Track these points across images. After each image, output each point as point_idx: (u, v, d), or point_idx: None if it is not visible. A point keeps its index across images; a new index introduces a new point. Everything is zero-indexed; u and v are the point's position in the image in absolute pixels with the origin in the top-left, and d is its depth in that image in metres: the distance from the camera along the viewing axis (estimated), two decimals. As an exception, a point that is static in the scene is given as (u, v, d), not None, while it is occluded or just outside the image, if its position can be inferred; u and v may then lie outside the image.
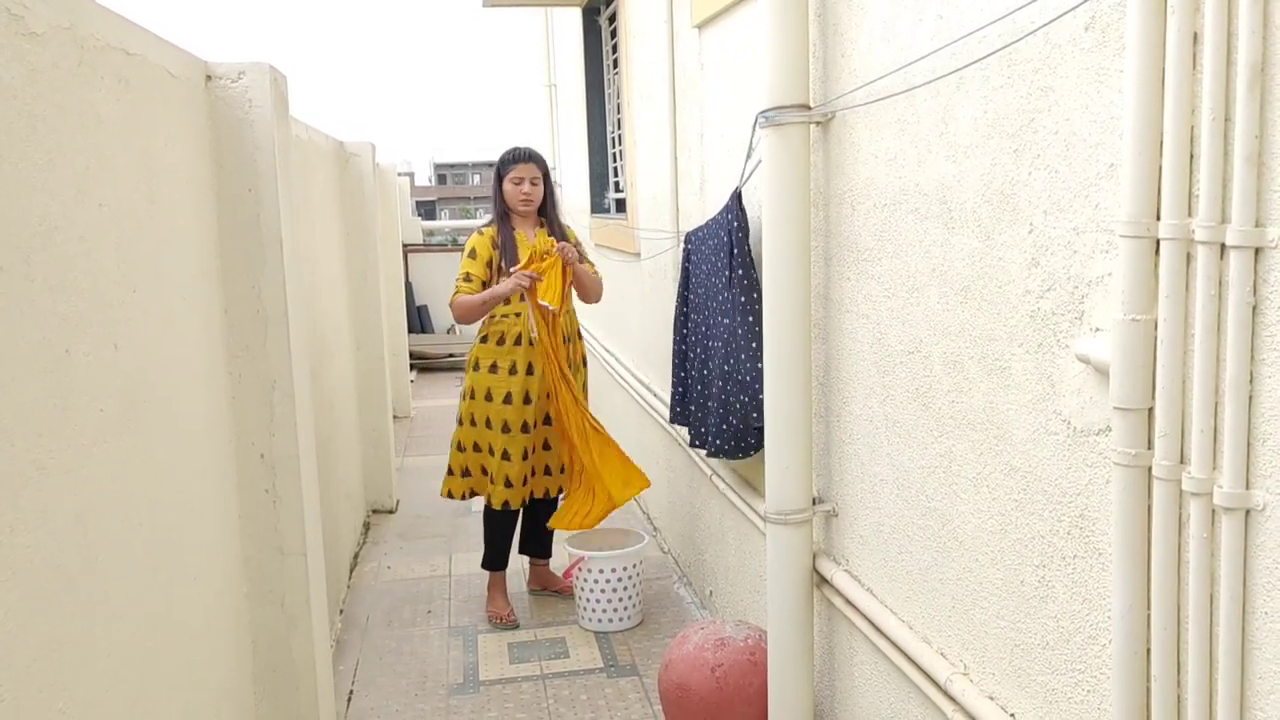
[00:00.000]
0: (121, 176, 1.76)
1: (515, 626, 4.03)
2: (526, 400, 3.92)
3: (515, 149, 4.03)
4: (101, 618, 1.60)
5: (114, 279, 1.69)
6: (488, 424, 3.96)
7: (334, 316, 4.63)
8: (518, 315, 3.91)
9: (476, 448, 4.03)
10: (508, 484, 3.96)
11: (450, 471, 4.11)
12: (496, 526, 4.12)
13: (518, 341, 3.91)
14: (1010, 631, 1.78)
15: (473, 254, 3.95)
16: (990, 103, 1.73)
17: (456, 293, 3.92)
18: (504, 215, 4.00)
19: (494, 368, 3.94)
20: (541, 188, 4.00)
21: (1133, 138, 1.33)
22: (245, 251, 2.41)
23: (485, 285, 3.91)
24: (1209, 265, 1.24)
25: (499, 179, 4.01)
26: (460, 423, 4.05)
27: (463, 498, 4.13)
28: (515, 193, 3.96)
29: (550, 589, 4.37)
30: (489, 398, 3.94)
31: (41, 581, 1.40)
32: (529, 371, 3.92)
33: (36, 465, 1.39)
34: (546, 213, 4.04)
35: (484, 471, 4.04)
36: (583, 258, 4.07)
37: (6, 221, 1.33)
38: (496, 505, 4.00)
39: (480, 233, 4.02)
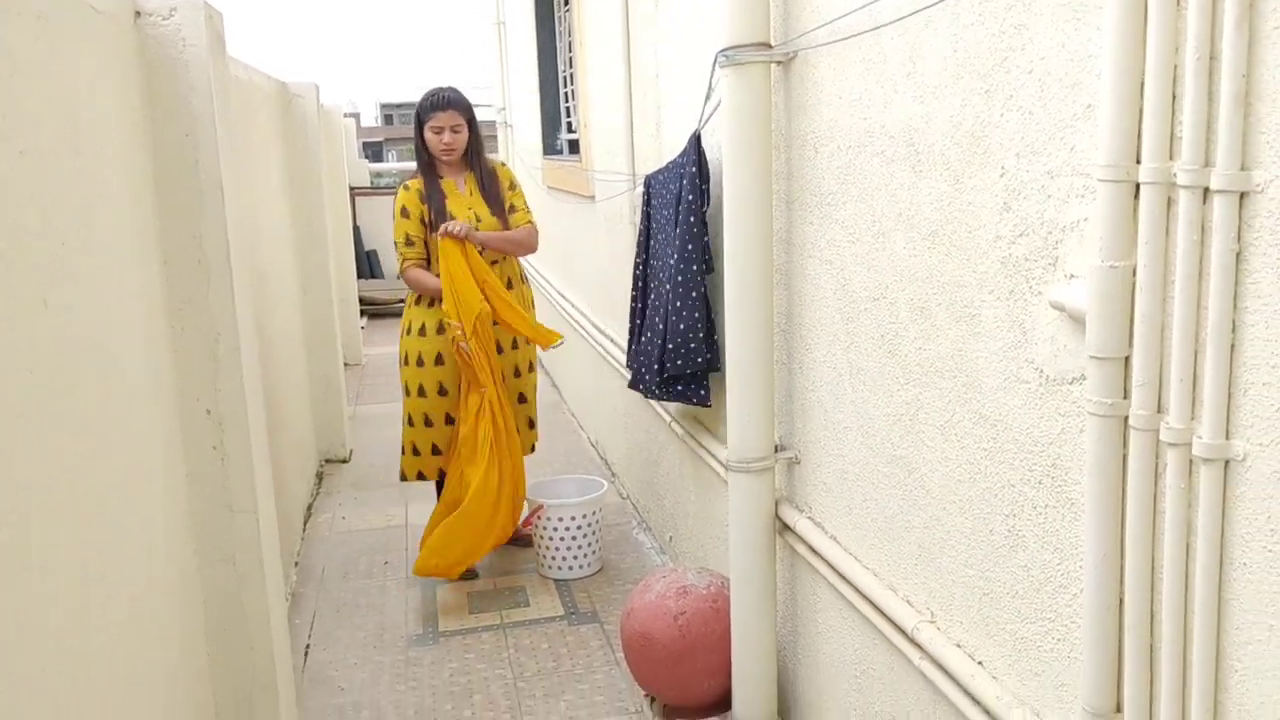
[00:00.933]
0: (43, 122, 1.64)
1: (475, 576, 3.99)
2: (438, 362, 3.84)
3: (435, 93, 3.78)
4: (38, 586, 1.52)
5: (37, 232, 1.59)
6: (421, 392, 3.87)
7: (279, 263, 4.50)
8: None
9: (428, 421, 3.91)
10: (435, 451, 3.92)
11: (408, 451, 3.98)
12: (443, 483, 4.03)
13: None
14: (978, 580, 1.77)
15: (405, 213, 3.78)
16: (960, 41, 1.67)
17: (404, 260, 3.78)
18: (429, 165, 3.83)
19: (431, 330, 3.83)
20: (465, 134, 3.80)
21: (1112, 77, 1.28)
22: (183, 199, 2.30)
23: (425, 245, 3.77)
24: (1191, 210, 1.20)
25: (420, 126, 3.80)
26: (407, 393, 3.94)
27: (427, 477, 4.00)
28: (436, 142, 3.77)
29: (508, 540, 4.31)
30: (425, 363, 3.85)
31: (-28, 555, 1.32)
32: (440, 331, 3.80)
33: (-39, 433, 1.31)
34: (472, 159, 3.86)
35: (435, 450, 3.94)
36: (513, 207, 3.89)
37: (-84, 172, 1.23)
38: (431, 476, 3.98)
39: (406, 187, 3.83)
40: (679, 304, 2.91)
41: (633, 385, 3.28)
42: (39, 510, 1.53)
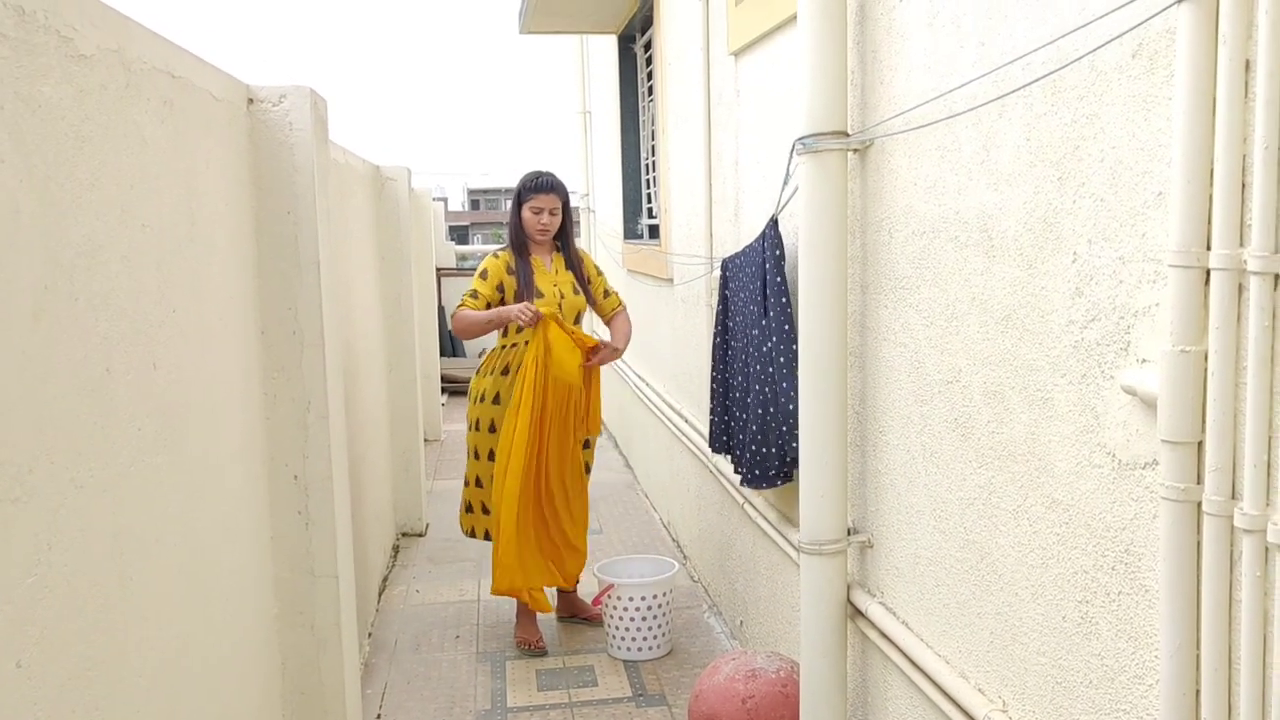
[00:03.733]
0: (164, 197, 1.77)
1: (544, 653, 4.00)
2: (492, 429, 3.97)
3: (537, 176, 3.96)
4: (135, 637, 1.59)
5: (154, 299, 1.71)
6: (490, 456, 3.99)
7: (368, 339, 4.65)
8: (513, 346, 3.91)
9: (479, 483, 4.07)
10: (485, 510, 4.06)
11: (477, 509, 4.13)
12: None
13: (504, 372, 3.92)
14: (1051, 668, 1.74)
15: (484, 274, 3.92)
16: (1034, 130, 1.71)
17: (461, 305, 3.88)
18: (520, 243, 3.97)
19: (497, 398, 3.94)
20: (560, 217, 3.96)
21: (1182, 166, 1.30)
22: (283, 273, 2.43)
23: (489, 307, 3.88)
24: (1262, 296, 1.21)
25: (518, 205, 3.96)
26: (475, 456, 4.07)
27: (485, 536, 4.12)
28: (534, 222, 3.92)
29: (579, 616, 4.33)
30: (493, 429, 3.96)
31: (78, 600, 1.40)
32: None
33: (75, 483, 1.40)
34: (564, 241, 4.02)
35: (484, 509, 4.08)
36: (607, 292, 4.12)
37: (53, 240, 1.35)
38: (480, 536, 4.13)
39: (496, 255, 3.98)
40: (778, 386, 2.89)
41: (752, 484, 3.18)
42: (142, 557, 1.62)
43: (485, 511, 4.06)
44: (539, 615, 4.20)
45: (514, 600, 4.21)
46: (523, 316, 3.74)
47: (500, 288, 3.91)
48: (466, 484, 4.12)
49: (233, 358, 2.19)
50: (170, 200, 1.80)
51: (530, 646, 4.01)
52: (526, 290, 3.87)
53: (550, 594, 4.32)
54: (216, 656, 2.02)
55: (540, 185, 3.93)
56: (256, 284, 2.39)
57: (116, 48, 1.57)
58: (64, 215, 1.38)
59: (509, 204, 4.11)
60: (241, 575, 2.22)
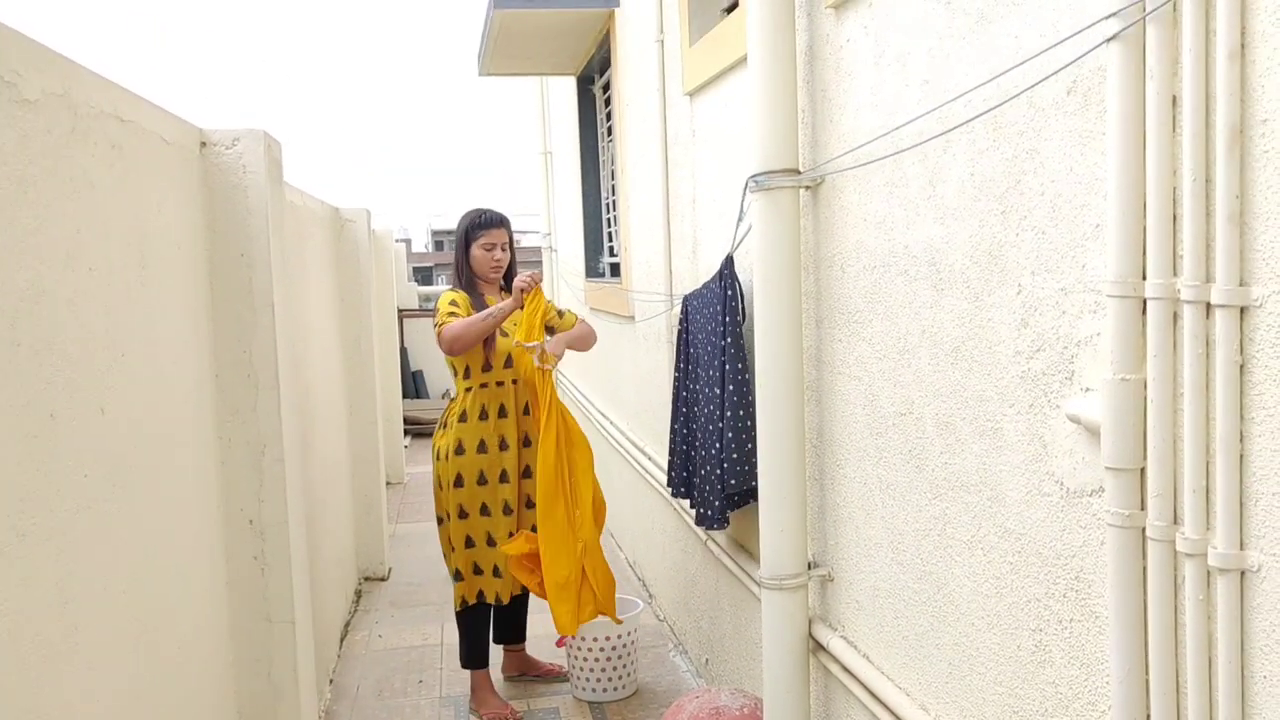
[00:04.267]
0: (113, 241, 1.76)
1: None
2: (503, 479, 3.67)
3: (485, 212, 3.76)
4: (82, 687, 1.56)
5: (102, 343, 1.69)
6: (484, 511, 3.70)
7: (328, 381, 4.62)
8: (499, 385, 3.66)
9: (469, 543, 3.72)
10: (495, 573, 3.70)
11: (467, 573, 3.74)
12: (477, 618, 3.81)
13: (502, 414, 3.67)
14: (1008, 698, 1.75)
15: (454, 304, 3.65)
16: (977, 165, 1.75)
17: (442, 323, 3.57)
18: (471, 283, 3.74)
19: (482, 446, 3.67)
20: (510, 253, 3.80)
21: (1116, 199, 1.34)
22: (237, 315, 2.42)
23: (452, 314, 3.59)
24: (1195, 324, 1.24)
25: (466, 244, 3.74)
26: (445, 518, 3.72)
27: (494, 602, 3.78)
28: (486, 260, 3.71)
29: (531, 674, 4.13)
30: (458, 483, 3.68)
31: (21, 651, 1.37)
32: (502, 447, 3.68)
33: (17, 531, 1.37)
34: (509, 277, 3.81)
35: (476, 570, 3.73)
36: (561, 313, 3.88)
37: (-6, 285, 1.33)
38: (490, 599, 3.74)
39: (454, 290, 3.74)
40: (736, 422, 2.91)
41: (702, 523, 3.18)
42: (89, 607, 1.59)
43: (497, 574, 3.71)
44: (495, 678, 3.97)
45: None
46: (523, 284, 3.53)
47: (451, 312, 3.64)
48: (465, 547, 3.70)
49: (186, 401, 2.17)
50: (119, 244, 1.79)
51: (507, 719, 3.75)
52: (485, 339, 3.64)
53: (495, 653, 4.07)
54: (169, 706, 1.98)
55: (490, 221, 3.74)
56: (210, 327, 2.38)
57: (62, 92, 1.57)
58: (5, 259, 1.37)
59: (456, 248, 3.86)
60: (196, 623, 2.19)
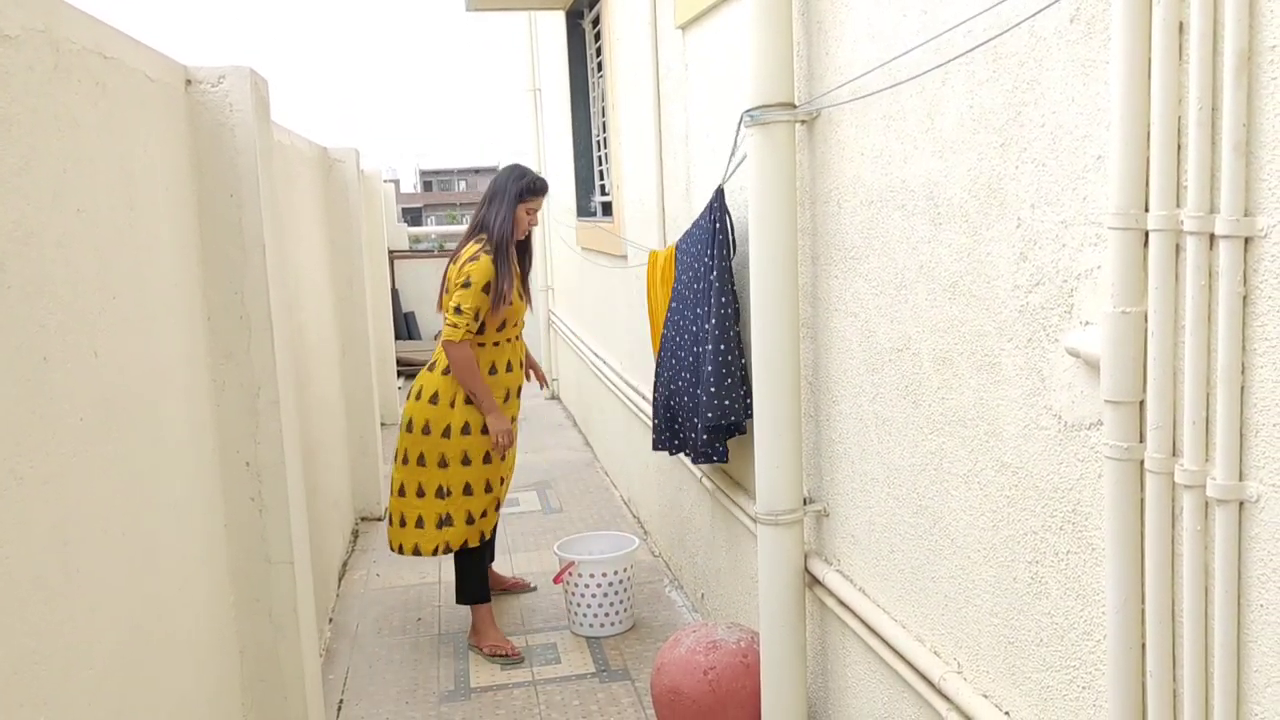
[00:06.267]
0: (100, 181, 1.73)
1: (521, 661, 3.82)
2: (484, 430, 3.74)
3: (538, 179, 3.81)
4: (84, 629, 1.57)
5: (93, 285, 1.67)
6: (486, 459, 3.76)
7: (319, 323, 4.60)
8: (509, 341, 3.79)
9: (468, 489, 3.77)
10: (470, 521, 3.79)
11: (404, 522, 3.82)
12: (478, 556, 3.90)
13: (509, 369, 3.81)
14: (1004, 629, 1.77)
15: (487, 289, 3.63)
16: (976, 97, 1.72)
17: (464, 334, 3.61)
18: (503, 241, 3.70)
19: (434, 398, 3.73)
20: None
21: (1120, 129, 1.32)
22: (227, 256, 2.39)
23: (477, 316, 3.63)
24: (1198, 256, 1.23)
25: (514, 204, 3.73)
26: (445, 464, 3.76)
27: (432, 553, 3.80)
28: (526, 221, 3.79)
29: (498, 589, 4.33)
30: (465, 430, 3.73)
31: (20, 593, 1.37)
32: (506, 399, 3.84)
33: (14, 475, 1.37)
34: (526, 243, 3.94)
35: (444, 521, 3.78)
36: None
37: (-20, 227, 1.31)
38: (488, 536, 3.87)
39: (478, 260, 3.66)
40: (719, 356, 2.92)
41: (700, 459, 3.19)
42: (87, 549, 1.59)
43: (484, 516, 3.81)
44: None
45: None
46: (501, 440, 3.72)
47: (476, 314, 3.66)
48: (441, 496, 3.75)
49: (178, 344, 2.15)
50: (106, 184, 1.77)
51: (508, 654, 3.81)
52: (503, 295, 3.66)
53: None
54: (170, 646, 1.99)
55: (542, 188, 3.82)
56: (201, 268, 2.35)
57: (43, 28, 1.53)
58: (-7, 201, 1.35)
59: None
60: (195, 564, 2.19)
